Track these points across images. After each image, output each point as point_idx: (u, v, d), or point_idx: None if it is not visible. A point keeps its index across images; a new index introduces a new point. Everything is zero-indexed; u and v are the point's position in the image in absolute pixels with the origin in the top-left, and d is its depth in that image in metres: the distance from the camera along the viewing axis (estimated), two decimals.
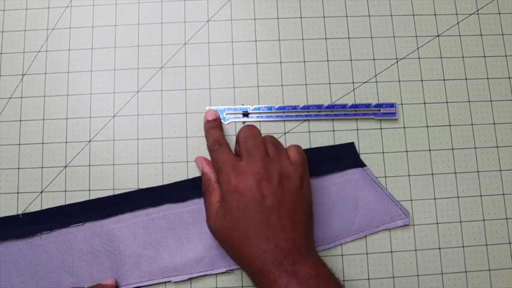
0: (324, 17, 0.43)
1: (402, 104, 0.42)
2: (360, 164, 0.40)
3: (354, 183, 0.40)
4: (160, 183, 0.40)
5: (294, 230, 0.32)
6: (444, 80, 0.43)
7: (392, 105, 0.42)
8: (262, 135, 0.36)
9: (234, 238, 0.32)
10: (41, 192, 0.40)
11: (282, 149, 0.36)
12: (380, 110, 0.41)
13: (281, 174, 0.33)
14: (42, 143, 0.41)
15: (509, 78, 0.43)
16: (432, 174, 0.41)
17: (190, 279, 0.38)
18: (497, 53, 0.43)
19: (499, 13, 0.44)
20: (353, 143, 0.41)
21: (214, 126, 0.39)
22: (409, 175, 0.41)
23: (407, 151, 0.41)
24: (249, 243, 0.32)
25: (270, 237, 0.31)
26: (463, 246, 0.40)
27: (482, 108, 0.42)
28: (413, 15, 0.44)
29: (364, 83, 0.42)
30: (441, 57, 0.43)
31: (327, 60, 0.43)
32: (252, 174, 0.33)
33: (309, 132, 0.41)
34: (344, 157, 0.40)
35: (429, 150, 0.41)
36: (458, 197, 0.40)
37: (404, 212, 0.39)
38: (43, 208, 0.39)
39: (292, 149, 0.36)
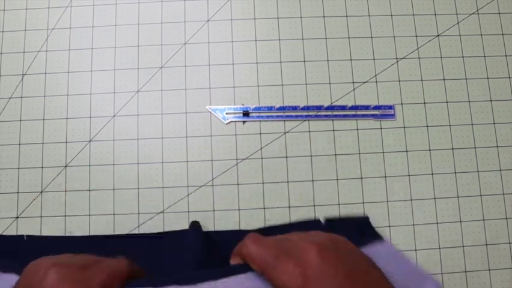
0: (324, 17, 0.43)
1: (402, 103, 0.42)
2: (378, 237, 0.34)
3: (378, 260, 0.30)
4: (160, 184, 0.40)
5: None
6: (444, 79, 0.42)
7: (390, 107, 0.42)
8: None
9: None
10: (41, 192, 0.40)
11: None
12: (379, 112, 0.41)
13: None
14: (42, 143, 0.41)
15: (509, 78, 0.43)
16: (432, 174, 0.41)
17: None
18: (497, 53, 0.43)
19: (499, 13, 0.44)
20: (367, 218, 0.39)
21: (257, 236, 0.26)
22: (409, 175, 0.41)
23: (406, 151, 0.41)
24: None
25: None
26: (463, 246, 0.40)
27: (482, 108, 0.42)
28: (413, 15, 0.44)
29: (364, 82, 0.42)
30: (441, 57, 0.43)
31: (327, 60, 0.43)
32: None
33: (309, 132, 0.41)
34: (362, 233, 0.38)
35: (429, 150, 0.41)
36: (458, 197, 0.40)
37: (435, 285, 0.32)
38: (43, 208, 0.39)
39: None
